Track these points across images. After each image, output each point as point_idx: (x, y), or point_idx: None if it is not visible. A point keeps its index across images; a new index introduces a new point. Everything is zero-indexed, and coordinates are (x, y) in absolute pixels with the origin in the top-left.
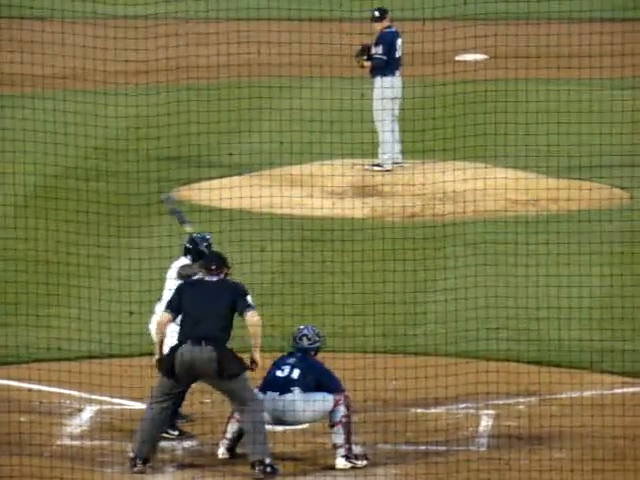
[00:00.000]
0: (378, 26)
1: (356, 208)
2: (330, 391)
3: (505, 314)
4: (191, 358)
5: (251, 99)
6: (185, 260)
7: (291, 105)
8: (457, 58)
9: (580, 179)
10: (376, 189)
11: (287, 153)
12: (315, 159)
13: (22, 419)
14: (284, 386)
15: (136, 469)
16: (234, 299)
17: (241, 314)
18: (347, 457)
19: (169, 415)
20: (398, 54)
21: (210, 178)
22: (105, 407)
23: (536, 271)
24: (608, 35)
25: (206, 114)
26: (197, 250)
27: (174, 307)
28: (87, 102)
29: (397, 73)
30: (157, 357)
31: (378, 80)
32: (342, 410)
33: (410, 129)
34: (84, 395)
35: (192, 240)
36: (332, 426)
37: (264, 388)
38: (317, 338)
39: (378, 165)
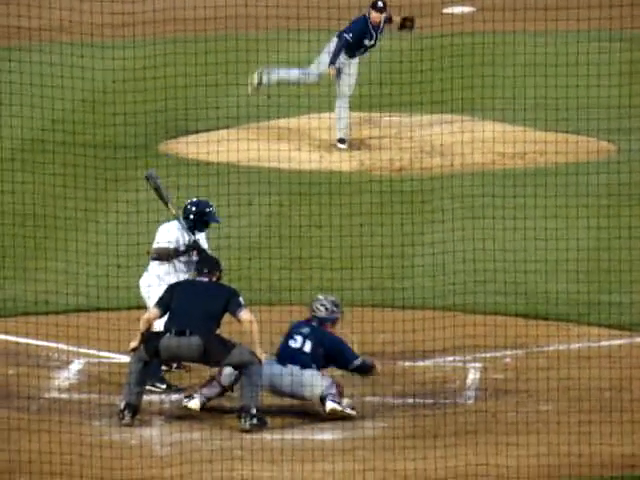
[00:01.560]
0: (377, 16)
1: (344, 161)
2: (340, 364)
3: (492, 267)
4: (176, 346)
5: (238, 52)
6: (176, 224)
7: (278, 58)
8: (445, 10)
9: (567, 132)
10: (364, 142)
11: (274, 106)
12: (303, 112)
13: (10, 372)
14: (298, 358)
15: (124, 421)
16: (226, 299)
17: (233, 314)
18: (337, 402)
19: (154, 366)
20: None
21: (197, 131)
22: (93, 360)
23: (523, 224)
24: None
25: (193, 67)
26: (201, 213)
27: (164, 304)
28: (74, 55)
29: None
30: (133, 345)
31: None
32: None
33: (398, 82)
34: (72, 348)
35: (196, 204)
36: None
37: (282, 358)
38: (335, 309)
39: (342, 141)
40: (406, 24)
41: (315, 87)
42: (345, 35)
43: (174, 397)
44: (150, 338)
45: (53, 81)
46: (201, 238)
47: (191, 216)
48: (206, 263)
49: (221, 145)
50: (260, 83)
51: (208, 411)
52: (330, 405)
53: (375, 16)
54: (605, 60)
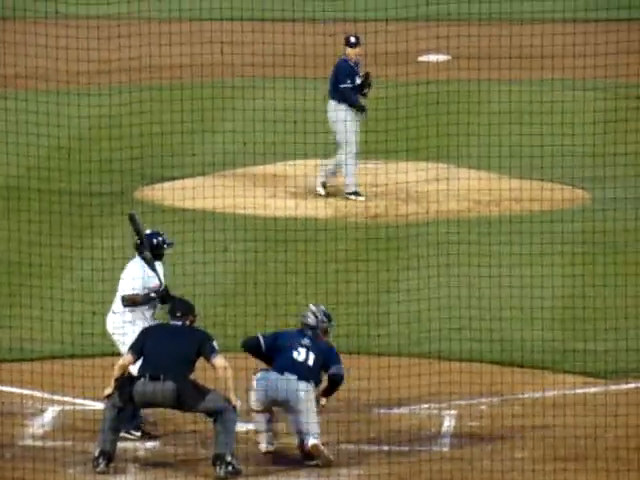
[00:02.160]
0: (353, 52)
1: (319, 208)
2: (330, 365)
3: (468, 314)
4: (151, 391)
5: (214, 99)
6: (139, 262)
7: (254, 106)
8: (420, 59)
9: (542, 180)
10: (339, 189)
11: (250, 153)
12: (278, 159)
13: None
14: (301, 371)
15: (99, 469)
16: (199, 344)
17: (207, 359)
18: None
19: (129, 413)
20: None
21: (173, 178)
22: (67, 407)
23: (499, 271)
24: (570, 36)
25: (169, 114)
26: (153, 246)
27: (137, 349)
28: (50, 102)
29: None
30: (108, 391)
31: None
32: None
33: (373, 129)
34: (46, 395)
35: (147, 236)
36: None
37: (281, 369)
38: (324, 318)
39: (356, 194)
40: (365, 83)
41: (290, 134)
42: (343, 86)
43: (149, 444)
44: (124, 384)
45: (28, 128)
46: (159, 266)
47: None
48: (179, 307)
49: (196, 192)
50: (324, 186)
51: (183, 459)
52: (313, 441)
53: (350, 52)
54: (579, 108)
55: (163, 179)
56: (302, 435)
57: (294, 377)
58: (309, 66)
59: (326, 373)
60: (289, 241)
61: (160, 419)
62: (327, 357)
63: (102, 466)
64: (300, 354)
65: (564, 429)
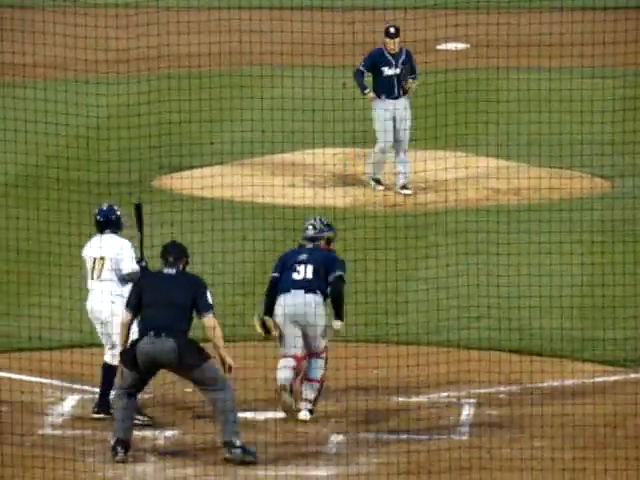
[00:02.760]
0: (398, 41)
1: (338, 197)
2: (330, 272)
3: (486, 303)
4: (152, 350)
5: (232, 88)
6: (100, 237)
7: (272, 94)
8: (438, 47)
9: (561, 168)
10: (358, 178)
11: (269, 142)
12: (297, 148)
13: (3, 409)
14: (304, 286)
15: (118, 457)
16: (195, 292)
17: (199, 313)
18: (311, 411)
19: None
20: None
21: (192, 167)
22: (87, 396)
23: (517, 260)
24: (589, 24)
25: (187, 103)
26: (112, 220)
27: (133, 305)
28: (69, 91)
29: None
30: (120, 349)
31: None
32: (322, 366)
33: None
34: (66, 384)
35: (104, 211)
36: (309, 380)
37: (285, 289)
38: (324, 227)
39: (377, 181)
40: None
41: (309, 122)
42: (358, 65)
43: (168, 433)
44: (125, 351)
45: (47, 117)
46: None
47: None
48: (172, 250)
49: (215, 180)
50: (378, 181)
51: (202, 447)
52: (303, 415)
53: (387, 42)
54: (598, 97)
55: (182, 168)
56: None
57: (301, 291)
58: (327, 54)
59: (327, 283)
60: (300, 220)
61: (180, 407)
62: (327, 265)
63: (121, 455)
64: (299, 272)
65: (583, 417)
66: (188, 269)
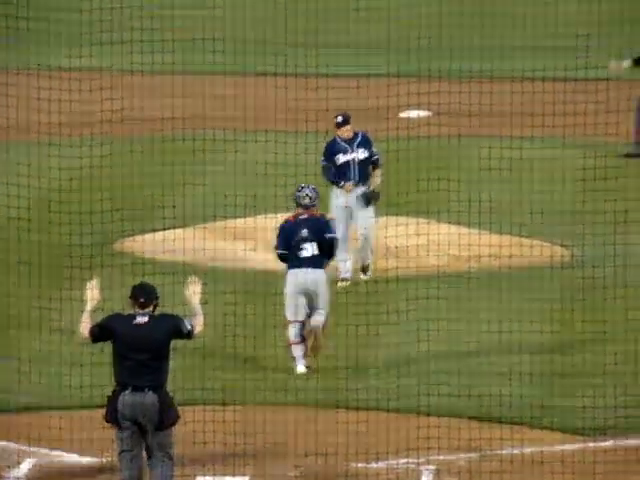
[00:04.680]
0: (349, 129)
1: None
2: (324, 235)
3: (446, 369)
4: (134, 403)
5: (195, 152)
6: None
7: (235, 158)
8: (401, 114)
9: (522, 236)
10: None
11: (231, 206)
12: (259, 213)
13: None
14: (313, 263)
15: None
16: (171, 333)
17: (187, 338)
18: (308, 367)
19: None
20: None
21: (154, 230)
22: (44, 460)
23: (478, 327)
24: (549, 94)
25: (150, 166)
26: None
27: (96, 335)
28: (31, 153)
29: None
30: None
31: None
32: (325, 316)
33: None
34: (23, 448)
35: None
36: (314, 315)
37: (296, 265)
38: (316, 195)
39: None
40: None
41: (271, 187)
42: (322, 163)
43: None
44: (109, 401)
45: (9, 179)
46: None
47: None
48: (141, 292)
49: (177, 244)
50: (365, 271)
51: None
52: (301, 369)
53: (339, 132)
54: (559, 166)
55: (144, 231)
56: (312, 313)
57: (309, 269)
58: (290, 119)
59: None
60: (269, 295)
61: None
62: (322, 230)
63: None
64: (307, 250)
65: None
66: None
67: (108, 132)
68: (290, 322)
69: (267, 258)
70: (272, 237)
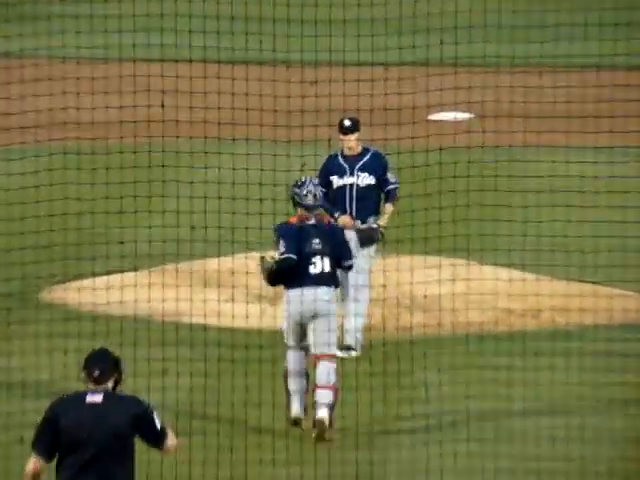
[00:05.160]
0: (354, 140)
1: None
2: (340, 261)
3: (492, 466)
4: None
5: (152, 168)
6: None
7: (206, 177)
8: (431, 117)
9: (597, 283)
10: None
11: (200, 241)
12: (238, 250)
13: None
14: (320, 281)
15: None
16: (134, 426)
17: (152, 447)
18: (330, 423)
19: None
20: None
21: (94, 274)
22: None
23: (537, 407)
24: (636, 89)
25: (90, 188)
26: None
27: (45, 449)
28: None
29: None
30: None
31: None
32: (334, 370)
33: None
34: None
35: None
36: (321, 387)
37: (298, 283)
38: (320, 193)
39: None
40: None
41: (254, 218)
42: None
43: None
44: None
45: None
46: None
47: None
48: (96, 363)
49: (126, 293)
50: (350, 348)
51: None
52: (322, 414)
53: (341, 140)
54: None
55: (80, 276)
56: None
57: (314, 289)
58: (280, 125)
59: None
60: (251, 361)
61: None
62: (339, 254)
63: None
64: (316, 265)
65: None
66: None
67: (32, 141)
68: (290, 347)
69: (250, 312)
70: (255, 283)
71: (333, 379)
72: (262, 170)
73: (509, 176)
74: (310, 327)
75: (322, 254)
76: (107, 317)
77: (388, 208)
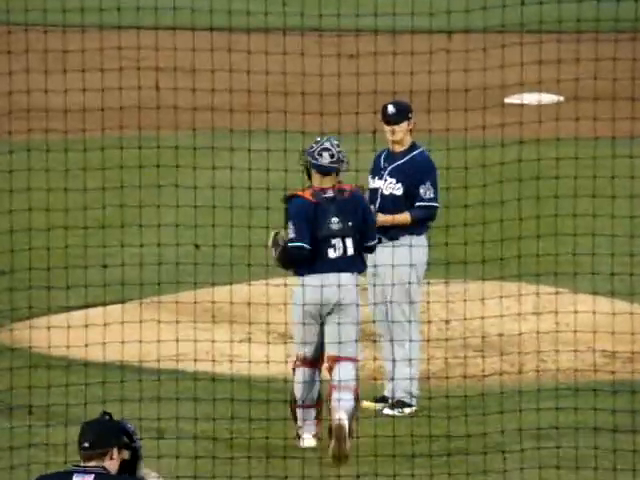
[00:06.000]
0: (400, 132)
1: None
2: (362, 241)
3: None
4: None
5: (143, 168)
6: None
7: (214, 179)
8: (508, 100)
9: None
10: (363, 331)
11: (207, 264)
12: (256, 275)
13: None
14: (341, 266)
15: None
16: None
17: None
18: (350, 432)
19: None
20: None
21: (68, 308)
22: None
23: None
24: None
25: (62, 194)
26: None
27: None
28: None
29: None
30: None
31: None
32: (355, 373)
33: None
34: None
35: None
36: (342, 389)
37: (315, 269)
38: (342, 156)
39: (401, 405)
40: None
41: (276, 230)
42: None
43: None
44: None
45: None
46: None
47: None
48: (89, 433)
49: (111, 332)
50: (404, 404)
51: None
52: (341, 416)
53: (385, 130)
54: None
55: (51, 310)
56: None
57: (336, 275)
58: (311, 112)
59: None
60: (273, 421)
61: None
62: (365, 230)
63: None
64: (336, 249)
65: None
66: None
67: None
68: (300, 363)
69: (270, 355)
70: (279, 317)
71: (353, 381)
72: (286, 171)
73: (612, 177)
74: (329, 321)
75: (343, 235)
76: (85, 362)
77: (401, 216)
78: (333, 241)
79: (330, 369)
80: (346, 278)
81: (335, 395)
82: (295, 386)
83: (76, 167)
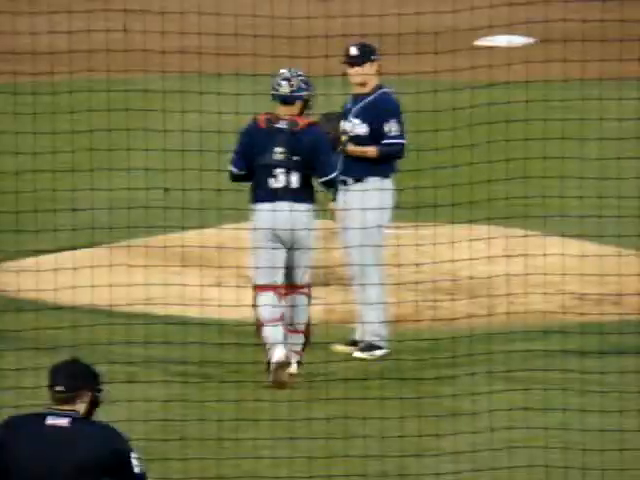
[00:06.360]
0: (361, 74)
1: None
2: (315, 176)
3: None
4: None
5: (112, 112)
6: None
7: (184, 124)
8: (478, 42)
9: None
10: (334, 275)
11: (176, 208)
12: (226, 220)
13: None
14: (289, 198)
15: None
16: (110, 468)
17: None
18: (299, 363)
19: None
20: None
21: (38, 252)
22: None
23: (619, 423)
24: None
25: (31, 138)
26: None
27: None
28: None
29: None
30: None
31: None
32: (306, 306)
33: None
34: None
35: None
36: (292, 331)
37: (262, 198)
38: (303, 85)
39: (371, 348)
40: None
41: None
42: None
43: None
44: None
45: None
46: None
47: None
48: (61, 376)
49: (80, 276)
50: (373, 347)
51: None
52: (295, 368)
53: (348, 73)
54: None
55: (20, 254)
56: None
57: (284, 203)
58: (280, 55)
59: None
60: (243, 363)
61: None
62: (315, 165)
63: None
64: (277, 180)
65: None
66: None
67: None
68: (262, 289)
69: (240, 298)
70: (247, 261)
71: (305, 317)
72: (257, 113)
73: (582, 119)
74: (281, 257)
75: (287, 167)
76: (56, 307)
77: (370, 149)
78: (275, 171)
79: (285, 295)
80: (295, 207)
81: (287, 339)
82: (257, 309)
83: (45, 111)
